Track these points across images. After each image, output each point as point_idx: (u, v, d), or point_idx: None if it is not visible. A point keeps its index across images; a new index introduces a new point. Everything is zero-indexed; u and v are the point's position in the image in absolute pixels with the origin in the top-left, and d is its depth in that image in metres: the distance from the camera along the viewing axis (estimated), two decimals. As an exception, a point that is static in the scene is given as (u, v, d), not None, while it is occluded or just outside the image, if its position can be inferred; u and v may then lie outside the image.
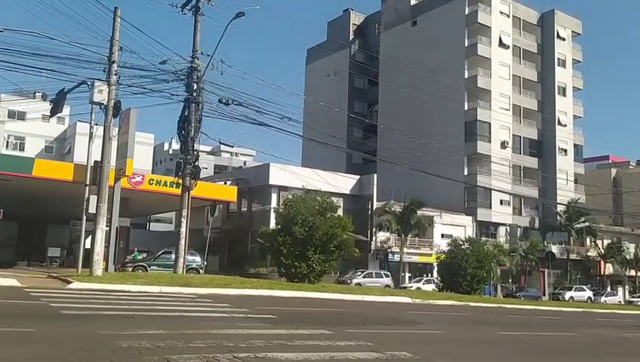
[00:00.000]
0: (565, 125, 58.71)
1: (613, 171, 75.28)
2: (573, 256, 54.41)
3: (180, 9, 23.01)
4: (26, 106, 44.98)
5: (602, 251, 55.48)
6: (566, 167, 57.88)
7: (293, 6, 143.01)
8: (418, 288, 35.94)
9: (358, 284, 33.63)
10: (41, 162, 26.30)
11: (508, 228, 53.64)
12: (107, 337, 7.70)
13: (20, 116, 51.21)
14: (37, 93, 35.68)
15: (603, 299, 46.10)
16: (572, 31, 61.68)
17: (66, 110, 33.12)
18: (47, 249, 31.31)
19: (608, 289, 53.93)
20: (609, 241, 57.18)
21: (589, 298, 45.11)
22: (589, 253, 56.30)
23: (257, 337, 8.63)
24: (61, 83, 20.30)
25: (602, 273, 56.63)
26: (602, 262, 56.37)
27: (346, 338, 9.44)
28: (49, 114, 24.08)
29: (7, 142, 53.59)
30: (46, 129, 54.53)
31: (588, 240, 55.60)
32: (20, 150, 52.85)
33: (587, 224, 53.51)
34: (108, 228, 20.40)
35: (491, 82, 54.29)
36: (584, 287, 48.14)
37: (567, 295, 44.01)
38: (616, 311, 30.69)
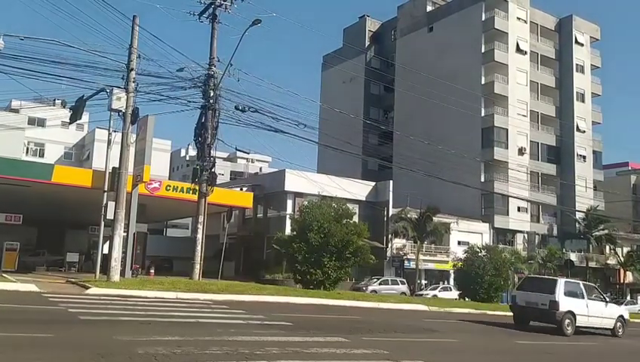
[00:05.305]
0: (584, 131, 58.09)
1: (633, 178, 74.00)
2: (592, 264, 53.63)
3: (197, 17, 23.28)
4: (46, 113, 45.61)
5: (622, 259, 54.64)
6: (585, 173, 57.20)
7: (309, 13, 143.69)
8: (434, 296, 35.68)
9: (374, 291, 33.55)
10: (60, 168, 26.61)
11: (526, 235, 53.08)
12: (124, 343, 7.77)
13: (40, 123, 51.94)
14: (56, 100, 36.12)
15: (623, 307, 45.26)
16: (590, 36, 61.09)
17: (85, 117, 33.54)
18: (66, 254, 31.59)
19: (628, 297, 53.05)
20: (629, 249, 56.32)
21: (609, 306, 44.34)
22: (608, 261, 55.47)
23: (273, 344, 8.64)
24: (80, 90, 20.56)
25: (622, 281, 55.81)
26: (622, 271, 55.57)
27: (361, 346, 9.40)
28: (68, 121, 24.32)
29: (28, 148, 54.38)
30: (65, 136, 55.24)
31: (607, 247, 54.82)
32: (39, 156, 53.59)
33: (606, 231, 52.84)
34: (125, 234, 20.58)
35: (508, 88, 53.91)
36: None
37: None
38: (636, 320, 30.14)
